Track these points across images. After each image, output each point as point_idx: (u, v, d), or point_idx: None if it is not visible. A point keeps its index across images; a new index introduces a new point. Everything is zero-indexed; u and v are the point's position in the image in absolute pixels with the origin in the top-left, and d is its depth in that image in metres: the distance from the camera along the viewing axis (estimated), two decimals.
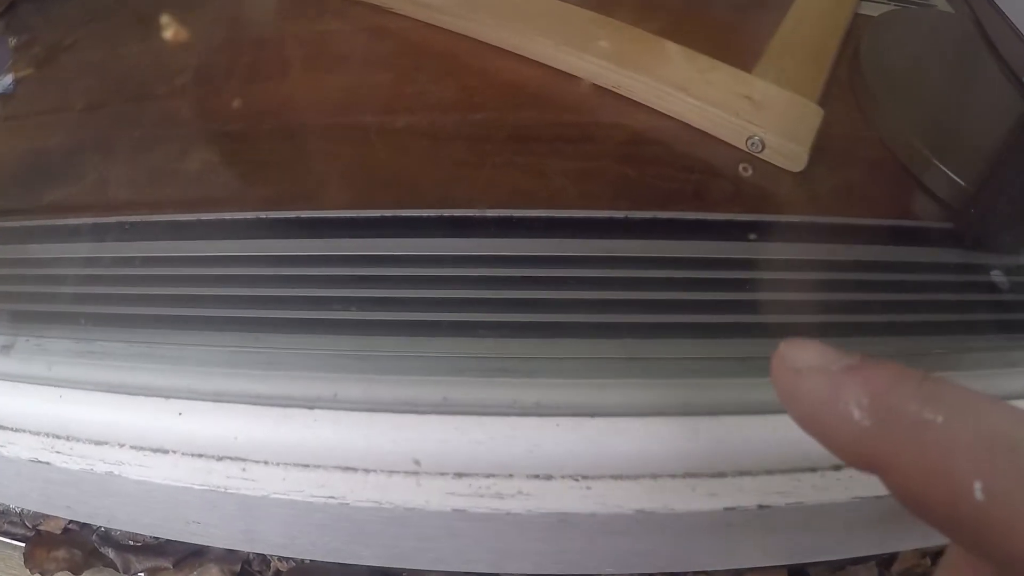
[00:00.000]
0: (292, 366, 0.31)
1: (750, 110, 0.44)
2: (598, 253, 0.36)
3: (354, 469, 0.29)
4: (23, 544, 0.46)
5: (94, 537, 0.45)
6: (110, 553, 0.44)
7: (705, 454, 0.29)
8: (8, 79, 0.53)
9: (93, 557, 0.45)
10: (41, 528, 0.46)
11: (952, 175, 0.40)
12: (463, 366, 0.30)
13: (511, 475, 0.28)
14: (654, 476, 0.29)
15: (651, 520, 0.29)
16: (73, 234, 0.40)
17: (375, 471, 0.29)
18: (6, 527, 0.47)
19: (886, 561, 0.40)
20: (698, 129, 0.45)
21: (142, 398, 0.32)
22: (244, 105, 0.49)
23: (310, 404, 0.29)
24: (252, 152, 0.46)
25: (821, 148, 0.42)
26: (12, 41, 0.56)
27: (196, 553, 0.44)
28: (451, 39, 0.51)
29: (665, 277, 0.34)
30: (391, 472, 0.29)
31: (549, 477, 0.28)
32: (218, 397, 0.30)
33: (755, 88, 0.45)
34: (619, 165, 0.44)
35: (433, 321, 0.32)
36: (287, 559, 0.43)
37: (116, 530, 0.46)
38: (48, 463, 0.34)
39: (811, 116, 0.43)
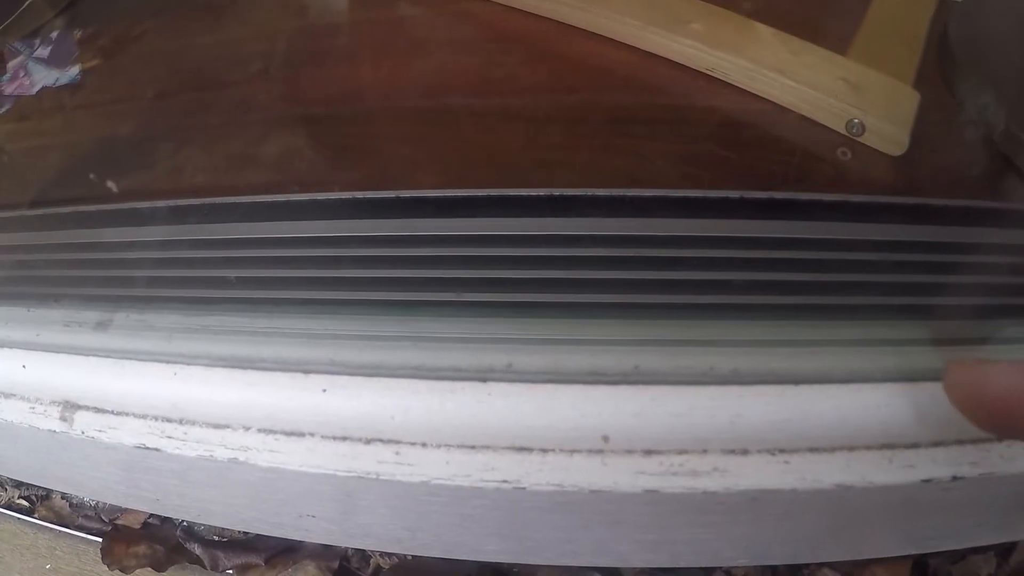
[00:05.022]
0: (457, 334, 0.26)
1: (849, 93, 0.40)
2: (762, 234, 0.32)
3: (528, 449, 0.24)
4: (99, 539, 0.40)
5: (178, 532, 0.39)
6: (196, 549, 0.39)
7: (900, 423, 0.25)
8: (75, 70, 0.48)
9: (176, 553, 0.39)
10: (119, 522, 0.41)
11: None
12: (652, 334, 0.25)
13: (705, 451, 0.24)
14: (850, 448, 0.25)
15: (848, 496, 0.25)
16: (176, 215, 0.34)
17: (554, 451, 0.24)
18: (81, 521, 0.42)
19: (1005, 551, 0.37)
20: (794, 112, 0.42)
21: (276, 373, 0.27)
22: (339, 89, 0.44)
23: (482, 376, 0.25)
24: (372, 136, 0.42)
25: (916, 132, 0.39)
26: (78, 32, 0.51)
27: (289, 549, 0.39)
28: (536, 23, 0.47)
29: (835, 259, 0.30)
30: (572, 451, 0.24)
31: (745, 452, 0.24)
32: (371, 371, 0.25)
33: (852, 71, 0.41)
34: (719, 148, 0.41)
35: (614, 303, 0.27)
36: (389, 555, 0.38)
37: (200, 524, 0.40)
38: (157, 449, 0.29)
39: (909, 99, 0.40)
